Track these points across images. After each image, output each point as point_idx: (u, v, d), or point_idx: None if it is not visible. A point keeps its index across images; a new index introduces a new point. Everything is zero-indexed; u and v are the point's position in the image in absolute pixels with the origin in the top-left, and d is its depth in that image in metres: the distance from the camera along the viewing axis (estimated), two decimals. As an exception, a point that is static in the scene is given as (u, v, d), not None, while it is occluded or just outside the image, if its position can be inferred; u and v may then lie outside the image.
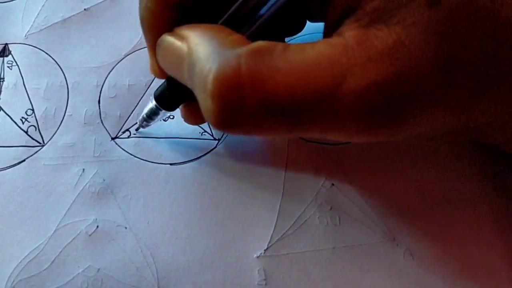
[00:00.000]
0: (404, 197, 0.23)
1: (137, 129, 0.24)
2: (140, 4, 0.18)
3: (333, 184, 0.23)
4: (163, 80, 0.20)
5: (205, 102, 0.15)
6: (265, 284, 0.21)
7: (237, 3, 0.17)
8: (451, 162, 0.23)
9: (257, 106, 0.14)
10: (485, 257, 0.21)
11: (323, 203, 0.22)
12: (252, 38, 0.16)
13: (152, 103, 0.21)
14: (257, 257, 0.21)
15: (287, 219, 0.22)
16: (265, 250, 0.21)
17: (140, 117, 0.23)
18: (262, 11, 0.16)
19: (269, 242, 0.22)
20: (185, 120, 0.22)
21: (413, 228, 0.22)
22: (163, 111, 0.21)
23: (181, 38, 0.17)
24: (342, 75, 0.14)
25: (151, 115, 0.22)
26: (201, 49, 0.16)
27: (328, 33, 0.17)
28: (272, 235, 0.22)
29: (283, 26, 0.20)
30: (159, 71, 0.19)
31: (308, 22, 0.21)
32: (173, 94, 0.20)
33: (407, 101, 0.14)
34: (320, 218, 0.22)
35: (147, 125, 0.23)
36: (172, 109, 0.21)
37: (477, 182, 0.23)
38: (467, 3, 0.14)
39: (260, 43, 0.15)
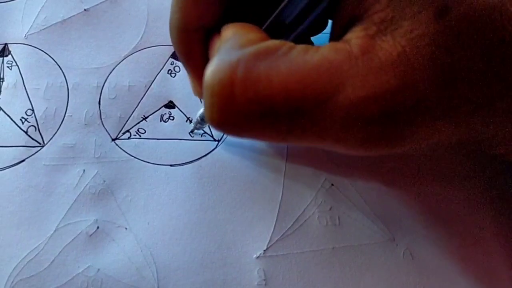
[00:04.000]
0: (404, 197, 0.23)
1: (192, 131, 0.24)
2: (171, 35, 0.18)
3: (332, 184, 0.23)
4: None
5: (204, 95, 0.15)
6: (265, 284, 0.21)
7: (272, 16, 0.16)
8: (451, 162, 0.24)
9: (247, 105, 0.14)
10: (485, 257, 0.21)
11: (322, 203, 0.22)
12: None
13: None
14: (257, 257, 0.21)
15: (286, 219, 0.22)
16: (264, 250, 0.21)
17: (194, 119, 0.23)
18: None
19: (269, 243, 0.22)
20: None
21: (413, 228, 0.22)
22: None
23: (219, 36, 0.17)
24: (341, 83, 0.14)
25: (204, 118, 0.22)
26: (223, 46, 0.15)
27: (334, 39, 0.16)
28: (271, 235, 0.22)
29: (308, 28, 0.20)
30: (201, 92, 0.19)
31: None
32: None
33: (407, 115, 0.14)
34: (319, 218, 0.22)
35: (201, 127, 0.23)
36: None
37: (477, 182, 0.23)
38: (474, 15, 0.13)
39: (267, 43, 0.15)
